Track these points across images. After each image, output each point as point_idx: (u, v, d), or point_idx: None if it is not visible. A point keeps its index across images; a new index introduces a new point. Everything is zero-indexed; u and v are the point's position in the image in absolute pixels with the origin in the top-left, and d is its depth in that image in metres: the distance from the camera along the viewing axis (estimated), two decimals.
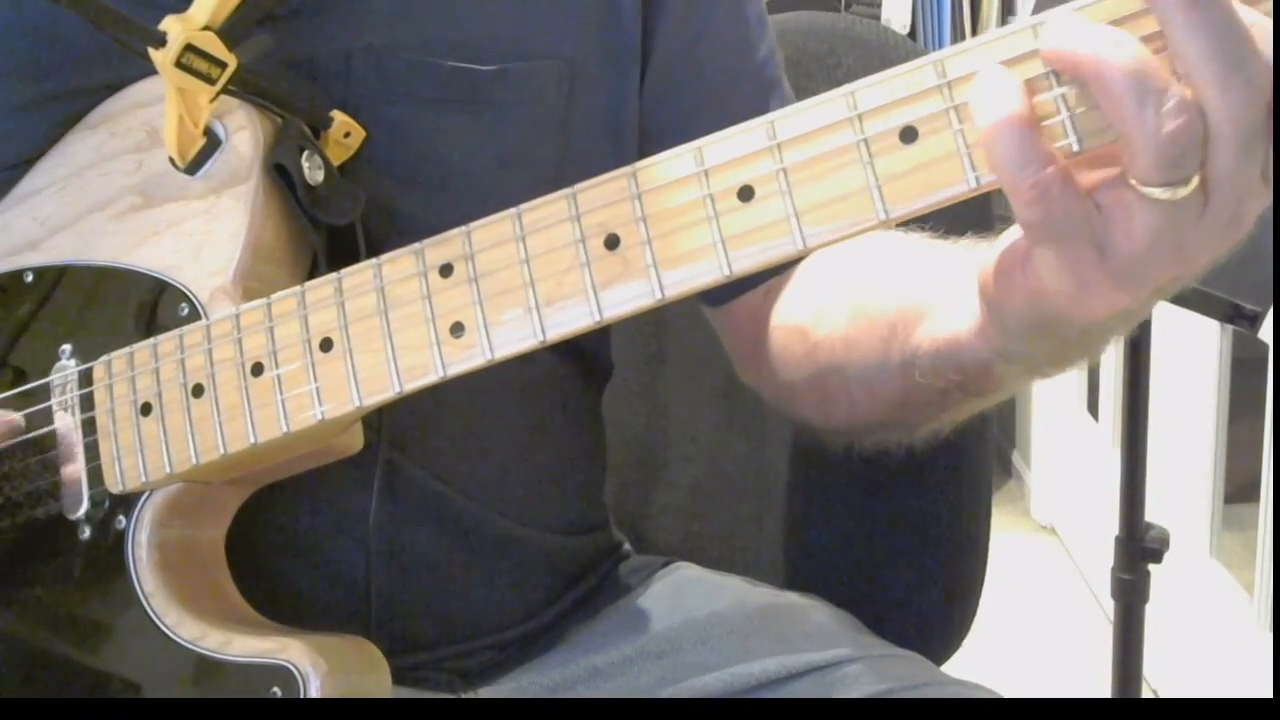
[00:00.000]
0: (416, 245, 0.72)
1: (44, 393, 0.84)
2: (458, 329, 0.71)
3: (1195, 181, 0.57)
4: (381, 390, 0.73)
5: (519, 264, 0.69)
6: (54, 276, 0.86)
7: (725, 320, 1.01)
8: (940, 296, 0.75)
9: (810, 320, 0.91)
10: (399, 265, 0.72)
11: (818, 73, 1.17)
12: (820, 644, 0.97)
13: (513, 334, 0.70)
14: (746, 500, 1.21)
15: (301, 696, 0.74)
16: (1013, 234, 0.64)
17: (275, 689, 0.75)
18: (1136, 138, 0.56)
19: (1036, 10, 1.70)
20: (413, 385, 0.73)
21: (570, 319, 0.68)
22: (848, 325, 0.87)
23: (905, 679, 0.94)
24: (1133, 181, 0.57)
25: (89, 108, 0.88)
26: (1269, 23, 0.56)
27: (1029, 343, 0.69)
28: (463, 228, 0.71)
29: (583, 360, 1.05)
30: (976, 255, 0.70)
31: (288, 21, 0.87)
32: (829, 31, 1.20)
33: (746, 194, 0.64)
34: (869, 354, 0.84)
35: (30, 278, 0.87)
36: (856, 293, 0.87)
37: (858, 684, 0.93)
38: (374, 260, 0.73)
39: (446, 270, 0.71)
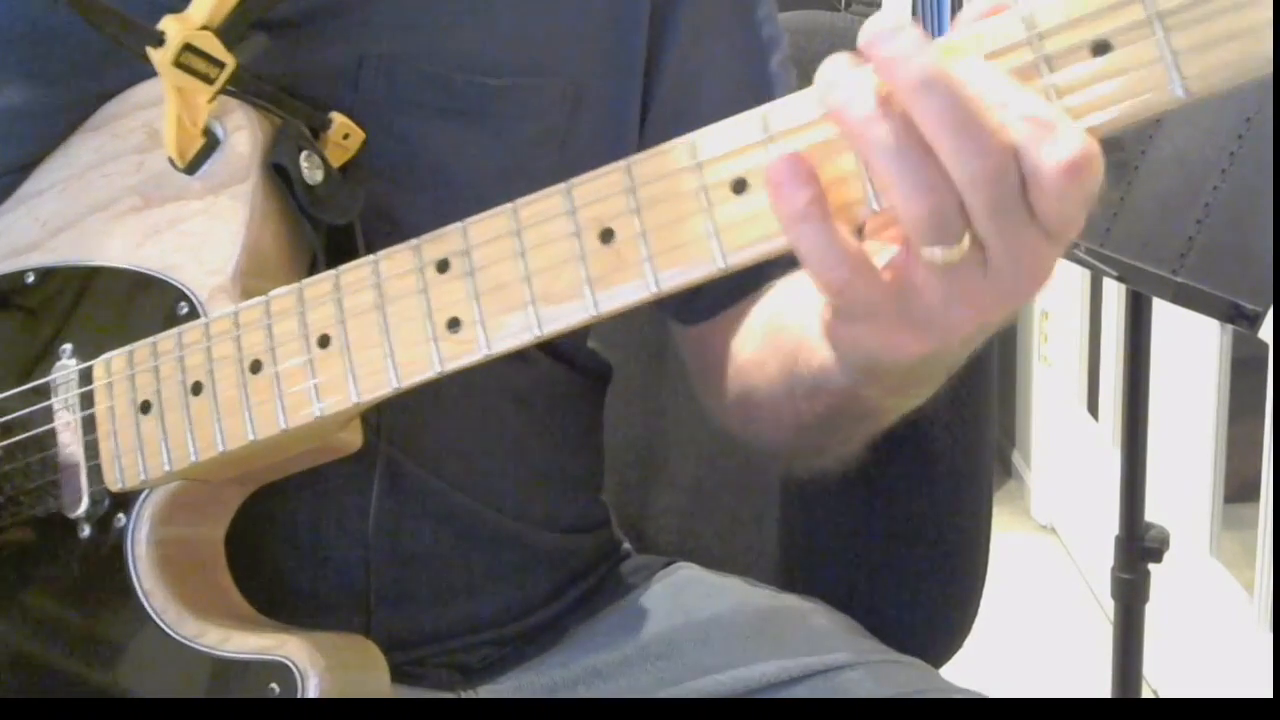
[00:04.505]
0: (414, 241, 0.72)
1: (45, 392, 0.84)
2: (454, 324, 0.71)
3: (965, 241, 0.60)
4: (380, 386, 0.73)
5: (515, 258, 0.69)
6: (55, 277, 0.86)
7: (695, 341, 1.02)
8: (813, 326, 0.78)
9: (739, 343, 0.95)
10: (396, 261, 0.72)
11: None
12: (820, 648, 0.98)
13: (510, 328, 0.70)
14: (746, 500, 1.21)
15: (300, 693, 0.74)
16: None
17: (273, 686, 0.75)
18: (899, 208, 0.60)
19: None
20: (411, 381, 0.73)
21: (567, 313, 0.68)
22: (759, 348, 0.91)
23: (905, 686, 0.94)
24: (912, 245, 0.61)
25: (92, 111, 0.88)
26: (1004, 85, 0.59)
27: (866, 376, 0.73)
28: (459, 223, 0.71)
29: (580, 364, 1.05)
30: None
31: (299, 26, 0.87)
32: (829, 31, 1.20)
33: (740, 186, 0.64)
34: (773, 377, 0.88)
35: (31, 278, 0.87)
36: (773, 318, 0.91)
37: (857, 690, 0.93)
38: (372, 257, 0.73)
39: (443, 265, 0.71)
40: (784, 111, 0.64)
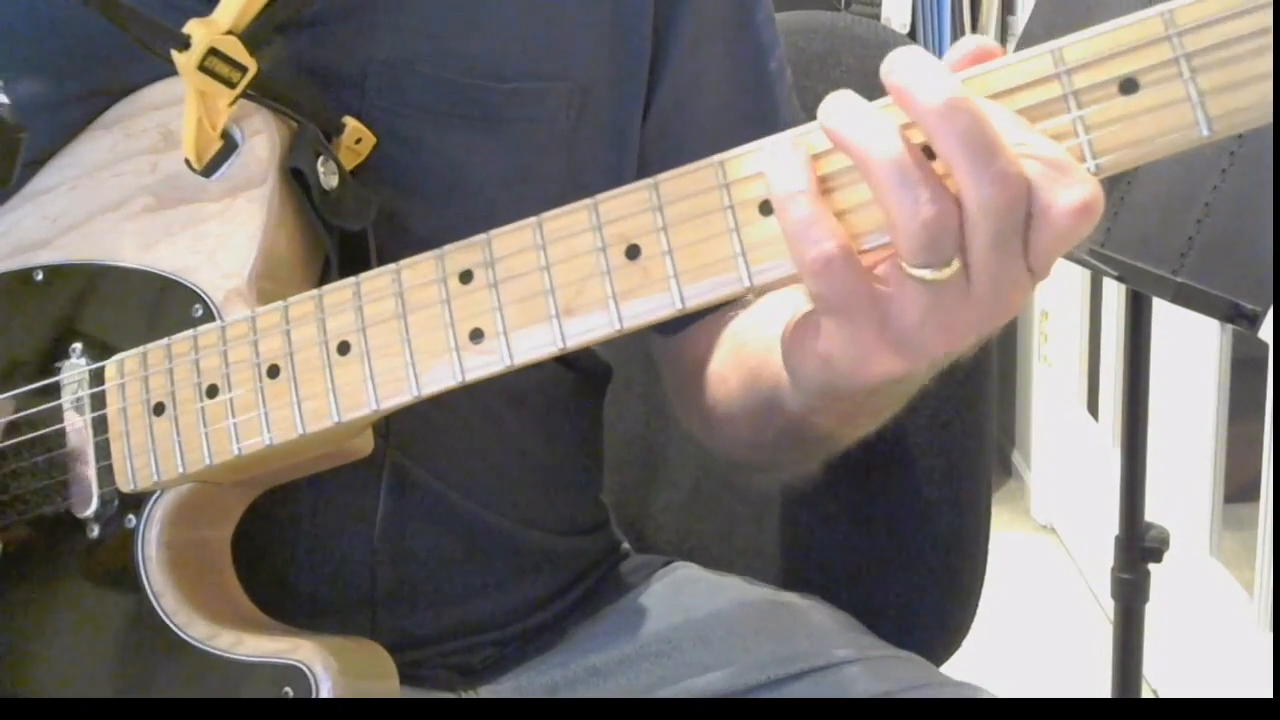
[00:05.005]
0: (437, 251, 0.72)
1: (54, 391, 0.84)
2: (477, 335, 0.71)
3: (955, 265, 0.61)
4: (399, 394, 0.73)
5: (539, 271, 0.69)
6: (64, 275, 0.86)
7: (670, 351, 1.03)
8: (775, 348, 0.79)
9: (709, 356, 0.96)
10: (419, 270, 0.72)
11: (817, 72, 1.17)
12: (819, 644, 0.98)
13: (533, 341, 0.70)
14: (746, 500, 1.21)
15: (314, 696, 0.74)
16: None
17: (287, 689, 0.75)
18: (896, 221, 0.61)
19: (1036, 11, 1.70)
20: (431, 390, 0.73)
21: (591, 327, 0.69)
22: (722, 363, 0.93)
23: (904, 680, 0.95)
24: (901, 261, 0.62)
25: (101, 107, 0.88)
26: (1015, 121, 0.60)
27: (822, 402, 0.74)
28: (483, 235, 0.71)
29: (579, 365, 1.06)
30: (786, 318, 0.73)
31: (308, 30, 0.87)
32: (829, 31, 1.20)
33: (767, 208, 0.65)
34: (732, 393, 0.90)
35: (40, 276, 0.86)
36: (738, 334, 0.92)
37: (856, 685, 0.94)
38: (394, 265, 0.73)
39: (466, 276, 0.71)
40: (814, 134, 0.64)
